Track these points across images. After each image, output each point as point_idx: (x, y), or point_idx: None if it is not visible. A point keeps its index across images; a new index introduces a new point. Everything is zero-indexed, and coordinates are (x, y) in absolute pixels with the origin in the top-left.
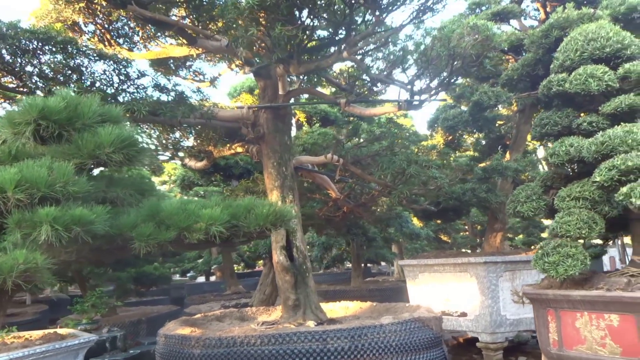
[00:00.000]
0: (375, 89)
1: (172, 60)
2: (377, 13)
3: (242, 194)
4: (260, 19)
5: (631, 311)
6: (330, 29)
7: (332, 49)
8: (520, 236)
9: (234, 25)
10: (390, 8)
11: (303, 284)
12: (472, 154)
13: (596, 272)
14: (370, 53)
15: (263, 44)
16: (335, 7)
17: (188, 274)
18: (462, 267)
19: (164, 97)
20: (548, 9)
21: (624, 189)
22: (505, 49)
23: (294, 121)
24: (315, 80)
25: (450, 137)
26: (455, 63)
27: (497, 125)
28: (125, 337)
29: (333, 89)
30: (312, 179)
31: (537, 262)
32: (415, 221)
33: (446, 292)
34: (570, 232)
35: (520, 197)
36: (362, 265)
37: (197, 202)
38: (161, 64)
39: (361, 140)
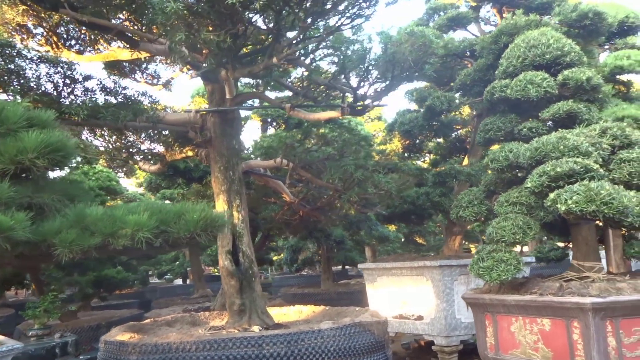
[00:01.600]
0: (333, 93)
1: (126, 63)
2: (305, 20)
3: (194, 197)
4: (194, 24)
5: (561, 316)
6: (259, 36)
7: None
8: None
9: (168, 29)
10: (317, 17)
11: (249, 289)
12: (434, 157)
13: (534, 276)
14: (316, 59)
15: (204, 49)
16: (263, 15)
17: (165, 277)
18: (419, 271)
19: (113, 100)
20: (504, 15)
21: (551, 195)
22: (467, 54)
23: (259, 125)
24: (272, 84)
25: (408, 142)
26: (395, 69)
27: (455, 129)
28: (77, 343)
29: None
30: (266, 183)
31: (473, 267)
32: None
33: (403, 295)
34: (505, 237)
35: (462, 202)
36: (332, 267)
37: (124, 208)
38: (115, 67)
39: (311, 144)
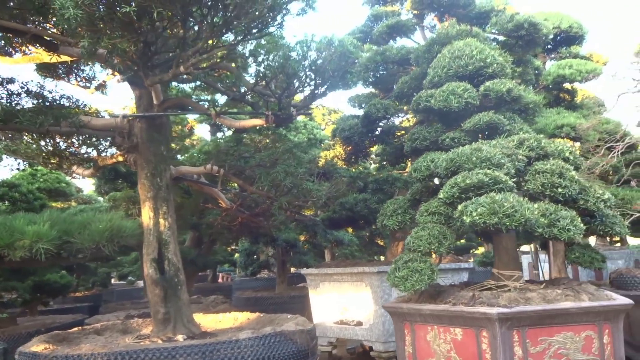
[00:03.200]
0: (271, 99)
1: (61, 65)
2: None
3: (125, 203)
4: (103, 30)
5: (471, 325)
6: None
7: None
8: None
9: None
10: (221, 28)
11: (174, 297)
12: (378, 163)
13: (453, 285)
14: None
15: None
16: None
17: (128, 278)
18: (358, 277)
19: (41, 104)
20: (449, 24)
21: (459, 207)
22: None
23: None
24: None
25: (350, 148)
26: (317, 78)
27: (396, 136)
28: (5, 351)
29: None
30: (200, 189)
31: (390, 276)
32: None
33: (344, 301)
34: (421, 247)
35: (387, 210)
36: (289, 271)
37: (24, 218)
38: (48, 69)
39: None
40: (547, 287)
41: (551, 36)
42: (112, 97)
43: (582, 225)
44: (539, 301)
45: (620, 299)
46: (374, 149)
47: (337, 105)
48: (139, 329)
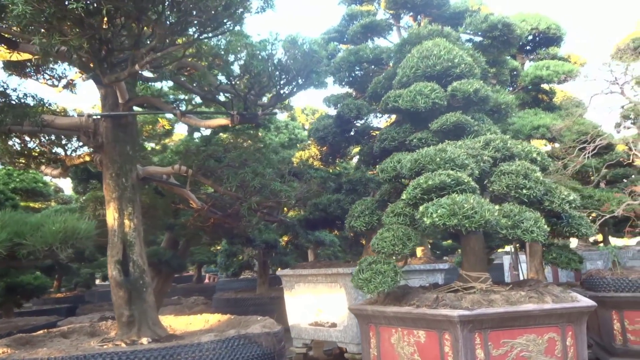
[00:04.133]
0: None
1: (29, 63)
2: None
3: (92, 204)
4: (57, 27)
5: (434, 328)
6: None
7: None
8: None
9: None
10: (176, 27)
11: (139, 300)
12: (356, 163)
13: (419, 286)
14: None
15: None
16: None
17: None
18: (333, 278)
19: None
20: (422, 24)
21: (421, 208)
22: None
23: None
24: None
25: (325, 148)
26: (282, 77)
27: (372, 135)
28: None
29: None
30: (170, 189)
31: (354, 278)
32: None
33: (319, 302)
34: (385, 248)
35: (355, 211)
36: (270, 272)
37: None
38: (16, 67)
39: (210, 151)
40: (512, 289)
41: (530, 37)
42: (85, 96)
43: (545, 226)
44: (502, 303)
45: (583, 301)
46: (353, 149)
47: (321, 105)
48: (107, 331)
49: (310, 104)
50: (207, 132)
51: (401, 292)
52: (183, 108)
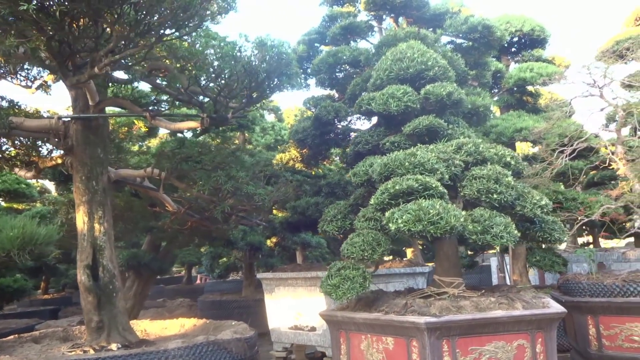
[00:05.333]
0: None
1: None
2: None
3: (65, 207)
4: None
5: (402, 335)
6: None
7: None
8: None
9: None
10: (134, 29)
11: (109, 305)
12: (339, 166)
13: (393, 292)
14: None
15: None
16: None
17: None
18: (312, 281)
19: None
20: (400, 26)
21: (387, 214)
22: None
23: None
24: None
25: (305, 150)
26: (251, 81)
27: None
28: None
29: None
30: (146, 192)
31: (323, 284)
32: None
33: (299, 306)
34: (354, 254)
35: (328, 215)
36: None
37: None
38: None
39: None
40: (484, 294)
41: (515, 39)
42: (64, 97)
43: (516, 231)
44: (471, 310)
45: (553, 308)
46: (335, 151)
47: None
48: (81, 336)
49: (300, 106)
50: (189, 134)
51: (372, 298)
52: (166, 110)
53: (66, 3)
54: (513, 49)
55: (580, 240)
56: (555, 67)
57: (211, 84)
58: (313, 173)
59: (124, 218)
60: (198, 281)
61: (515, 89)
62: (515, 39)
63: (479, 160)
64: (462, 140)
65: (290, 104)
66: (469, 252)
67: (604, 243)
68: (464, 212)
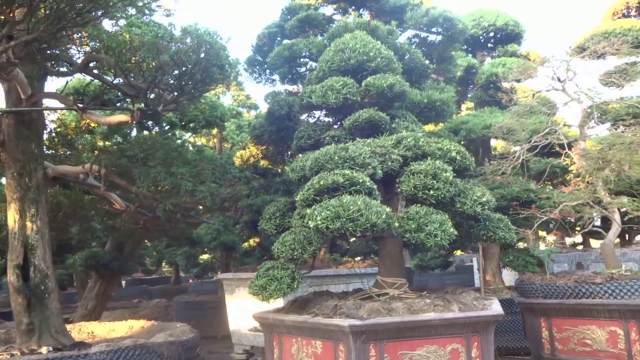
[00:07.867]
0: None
1: None
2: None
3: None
4: None
5: (330, 338)
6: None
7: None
8: None
9: None
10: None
11: (40, 307)
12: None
13: (332, 293)
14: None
15: None
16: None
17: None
18: None
19: None
20: (368, 19)
21: (308, 210)
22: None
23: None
24: None
25: (264, 147)
26: (180, 71)
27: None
28: None
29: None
30: (90, 190)
31: (251, 285)
32: None
33: (258, 307)
34: (284, 253)
35: (267, 213)
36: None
37: None
38: None
39: (124, 149)
40: (422, 296)
41: (491, 34)
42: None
43: (452, 229)
44: (403, 312)
45: (491, 310)
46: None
47: None
48: None
49: None
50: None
51: (309, 299)
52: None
53: None
54: (489, 45)
55: (568, 241)
56: (530, 63)
57: (139, 76)
58: (279, 170)
59: (76, 217)
60: (190, 281)
61: (491, 85)
62: (491, 35)
63: (418, 155)
64: (402, 134)
65: None
66: (441, 252)
67: (594, 243)
68: (389, 209)
